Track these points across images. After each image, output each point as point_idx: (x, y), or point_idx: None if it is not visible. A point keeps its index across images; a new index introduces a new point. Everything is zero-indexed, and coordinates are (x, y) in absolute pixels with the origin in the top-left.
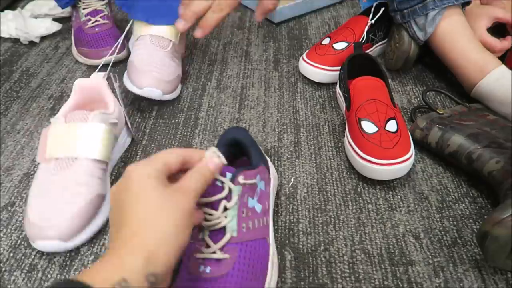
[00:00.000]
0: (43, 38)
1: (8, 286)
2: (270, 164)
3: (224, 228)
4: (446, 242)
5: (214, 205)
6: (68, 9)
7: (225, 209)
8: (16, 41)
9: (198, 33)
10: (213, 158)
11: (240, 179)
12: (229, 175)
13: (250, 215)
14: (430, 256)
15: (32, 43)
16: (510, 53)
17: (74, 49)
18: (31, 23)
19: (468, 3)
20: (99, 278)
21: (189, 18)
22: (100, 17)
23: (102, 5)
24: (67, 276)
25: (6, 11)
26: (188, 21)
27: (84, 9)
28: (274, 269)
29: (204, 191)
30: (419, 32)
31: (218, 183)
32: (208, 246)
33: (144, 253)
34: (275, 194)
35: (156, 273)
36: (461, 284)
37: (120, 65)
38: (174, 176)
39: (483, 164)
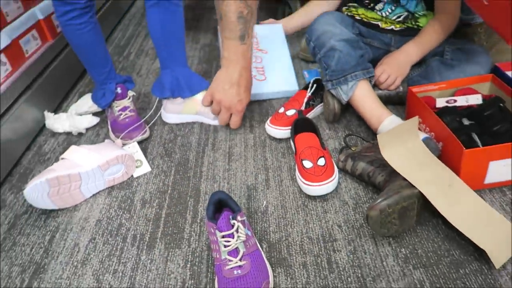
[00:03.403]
0: (87, 129)
1: None
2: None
3: (237, 248)
4: (356, 226)
5: (229, 235)
6: None
7: (237, 237)
8: (68, 134)
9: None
10: None
11: (239, 217)
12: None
13: (247, 237)
14: (346, 235)
15: (80, 134)
16: (407, 108)
17: (111, 135)
18: (78, 119)
19: (372, 77)
20: None
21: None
22: (128, 111)
23: (129, 102)
24: None
25: (60, 114)
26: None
27: (116, 107)
28: (269, 265)
29: (222, 227)
30: (343, 95)
31: (231, 223)
32: (230, 260)
33: None
34: None
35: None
36: (363, 248)
37: (145, 142)
38: None
39: (375, 178)
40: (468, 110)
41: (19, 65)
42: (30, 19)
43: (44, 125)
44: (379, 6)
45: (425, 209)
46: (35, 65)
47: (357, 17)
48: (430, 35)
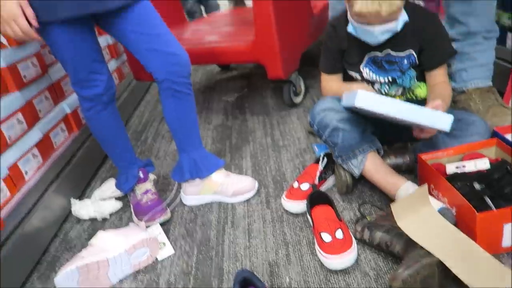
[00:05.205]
0: (111, 214)
1: None
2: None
3: None
4: None
5: None
6: None
7: None
8: (93, 220)
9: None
10: None
11: None
12: None
13: None
14: None
15: (104, 219)
16: (418, 176)
17: (134, 218)
18: (102, 205)
19: (379, 148)
20: None
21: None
22: (150, 194)
23: (150, 185)
24: None
25: (85, 200)
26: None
27: (139, 190)
28: None
29: None
30: (355, 169)
31: None
32: None
33: None
34: None
35: None
36: None
37: (166, 223)
38: None
39: (394, 247)
40: (478, 174)
41: (48, 156)
42: (59, 114)
43: (70, 211)
44: (376, 86)
45: (447, 277)
46: (62, 156)
47: None
48: (442, 90)
